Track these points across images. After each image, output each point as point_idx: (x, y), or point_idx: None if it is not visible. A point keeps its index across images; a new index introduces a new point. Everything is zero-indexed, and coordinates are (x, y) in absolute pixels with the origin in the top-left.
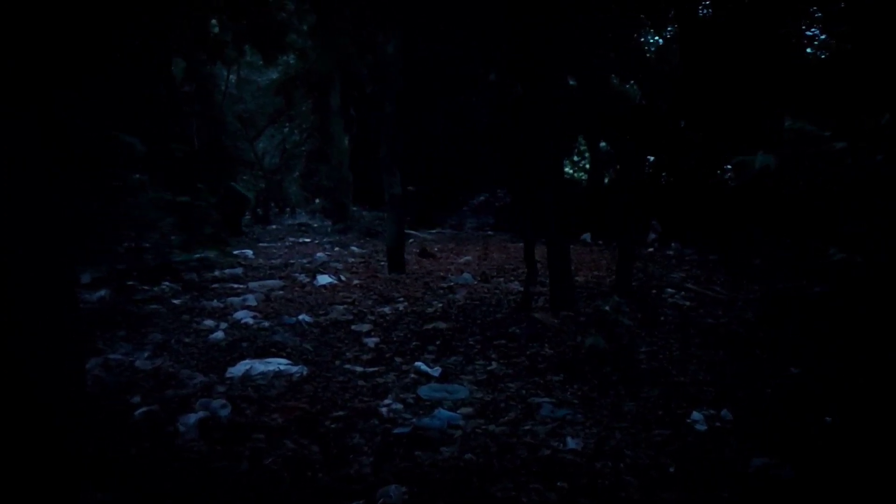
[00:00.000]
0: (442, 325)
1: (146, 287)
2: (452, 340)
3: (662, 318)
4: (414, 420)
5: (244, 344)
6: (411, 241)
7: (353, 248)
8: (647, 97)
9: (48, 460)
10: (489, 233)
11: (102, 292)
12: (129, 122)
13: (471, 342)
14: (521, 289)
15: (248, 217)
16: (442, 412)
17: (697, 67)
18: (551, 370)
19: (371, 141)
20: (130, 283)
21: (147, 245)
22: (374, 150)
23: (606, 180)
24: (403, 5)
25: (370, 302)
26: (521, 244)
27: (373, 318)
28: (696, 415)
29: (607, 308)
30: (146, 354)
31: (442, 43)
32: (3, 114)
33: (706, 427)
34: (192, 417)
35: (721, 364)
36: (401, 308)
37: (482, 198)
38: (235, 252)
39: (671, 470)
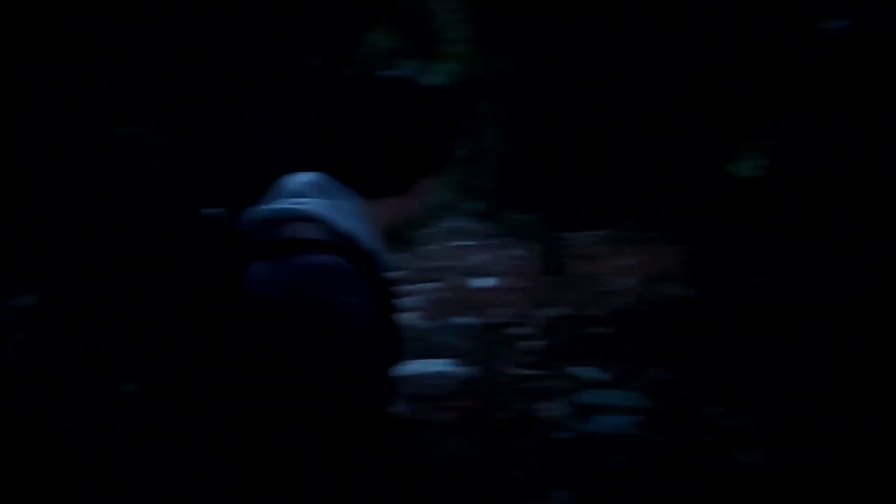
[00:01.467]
0: (605, 329)
1: None
2: (617, 346)
3: None
4: (579, 426)
5: (413, 344)
6: (568, 243)
7: (509, 250)
8: None
9: None
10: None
11: None
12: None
13: (637, 348)
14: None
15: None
16: (608, 419)
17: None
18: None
19: (525, 143)
20: None
21: None
22: (527, 152)
23: None
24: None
25: (530, 305)
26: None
27: (533, 321)
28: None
29: None
30: None
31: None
32: None
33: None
34: None
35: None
36: (561, 312)
37: (642, 197)
38: (394, 255)
39: None
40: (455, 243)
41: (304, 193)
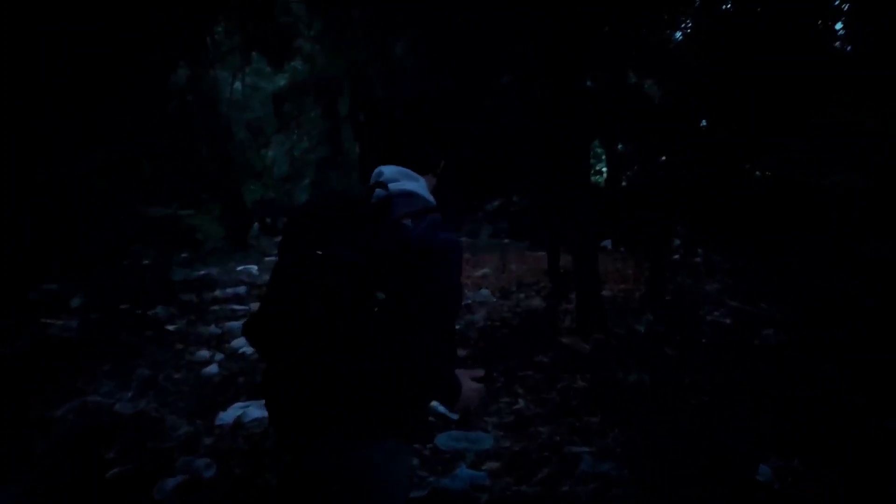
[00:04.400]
0: (461, 352)
1: (139, 311)
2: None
3: (704, 341)
4: (432, 480)
5: (240, 379)
6: None
7: None
8: (668, 95)
9: None
10: (505, 241)
11: (93, 316)
12: (136, 134)
13: (493, 374)
14: (544, 305)
15: (256, 228)
16: (464, 471)
17: (720, 63)
18: (587, 409)
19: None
20: (124, 306)
21: (147, 262)
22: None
23: (623, 184)
24: (416, 8)
25: None
26: (540, 253)
27: None
28: (763, 469)
29: (642, 329)
30: (129, 395)
31: (459, 46)
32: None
33: (779, 484)
34: (171, 482)
35: (781, 399)
36: None
37: (497, 203)
38: (239, 268)
39: None
40: None
41: (398, 179)
